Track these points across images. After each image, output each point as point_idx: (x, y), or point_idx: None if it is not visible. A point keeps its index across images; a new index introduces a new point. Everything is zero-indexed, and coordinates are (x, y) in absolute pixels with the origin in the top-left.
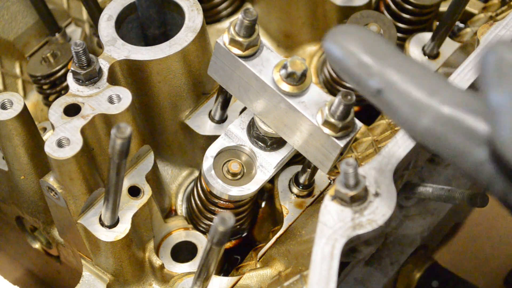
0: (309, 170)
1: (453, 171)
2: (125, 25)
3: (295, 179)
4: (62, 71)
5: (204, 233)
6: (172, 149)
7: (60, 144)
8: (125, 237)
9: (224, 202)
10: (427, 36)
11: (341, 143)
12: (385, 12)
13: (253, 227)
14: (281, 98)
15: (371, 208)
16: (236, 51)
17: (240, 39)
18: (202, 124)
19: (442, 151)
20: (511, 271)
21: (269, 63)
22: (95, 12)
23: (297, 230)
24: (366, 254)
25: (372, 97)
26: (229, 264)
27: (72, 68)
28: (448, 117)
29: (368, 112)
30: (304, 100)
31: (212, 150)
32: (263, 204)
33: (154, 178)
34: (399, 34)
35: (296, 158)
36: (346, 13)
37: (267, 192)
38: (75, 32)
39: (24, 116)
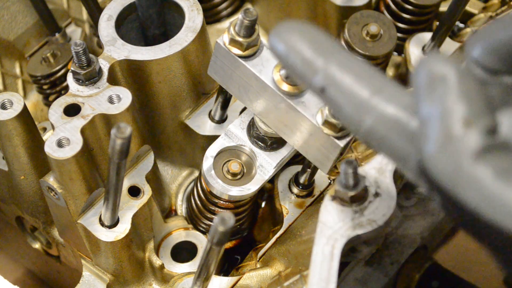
0: (309, 170)
1: None
2: (125, 25)
3: (295, 179)
4: (62, 71)
5: (204, 233)
6: (172, 149)
7: (60, 144)
8: (125, 237)
9: (224, 202)
10: (427, 36)
11: (341, 143)
12: (385, 12)
13: (253, 227)
14: (281, 98)
15: (371, 208)
16: (236, 51)
17: (240, 39)
18: (202, 124)
19: (385, 152)
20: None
21: (269, 63)
22: (95, 12)
23: (297, 230)
24: (366, 254)
25: (317, 94)
26: (229, 264)
27: (72, 68)
28: (391, 118)
29: None
30: (304, 100)
31: (212, 150)
32: (263, 204)
33: (154, 178)
34: (399, 34)
35: (296, 158)
36: (346, 13)
37: (267, 192)
38: (75, 32)
39: (24, 116)
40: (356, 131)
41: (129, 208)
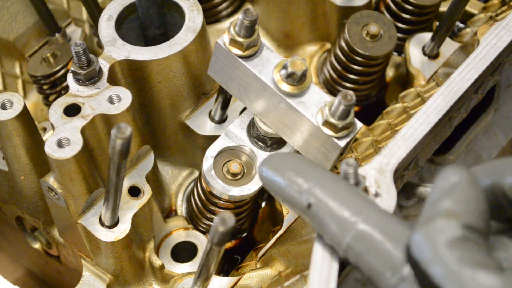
0: None
1: None
2: (125, 25)
3: None
4: (62, 71)
5: (204, 233)
6: (172, 149)
7: (60, 144)
8: (125, 237)
9: (224, 202)
10: (427, 36)
11: (341, 143)
12: (385, 12)
13: (253, 227)
14: (281, 98)
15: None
16: (236, 51)
17: (240, 39)
18: (202, 124)
19: (361, 268)
20: None
21: (269, 63)
22: (95, 12)
23: (297, 230)
24: None
25: (303, 212)
26: (229, 264)
27: (72, 68)
28: (369, 237)
29: (368, 112)
30: (304, 100)
31: (212, 150)
32: (263, 204)
33: (154, 178)
34: (399, 34)
35: None
36: (346, 13)
37: (267, 192)
38: (75, 32)
39: (24, 116)
40: (337, 246)
41: (129, 208)
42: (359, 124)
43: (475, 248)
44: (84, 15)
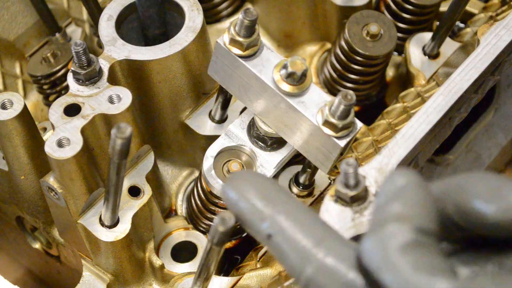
0: (309, 170)
1: (453, 171)
2: (125, 25)
3: (295, 179)
4: (62, 71)
5: (204, 233)
6: (172, 149)
7: (60, 144)
8: (125, 237)
9: (224, 202)
10: (427, 36)
11: (341, 143)
12: (385, 12)
13: None
14: (281, 98)
15: (371, 208)
16: (236, 51)
17: (240, 39)
18: (202, 124)
19: None
20: None
21: (269, 63)
22: (95, 12)
23: None
24: None
25: (263, 241)
26: (229, 264)
27: (72, 68)
28: (330, 268)
29: (368, 112)
30: (304, 100)
31: (212, 150)
32: None
33: (154, 178)
34: (399, 34)
35: (296, 158)
36: (346, 13)
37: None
38: (75, 32)
39: (24, 116)
40: (298, 278)
41: (129, 208)
42: (359, 124)
43: (429, 252)
44: (84, 15)
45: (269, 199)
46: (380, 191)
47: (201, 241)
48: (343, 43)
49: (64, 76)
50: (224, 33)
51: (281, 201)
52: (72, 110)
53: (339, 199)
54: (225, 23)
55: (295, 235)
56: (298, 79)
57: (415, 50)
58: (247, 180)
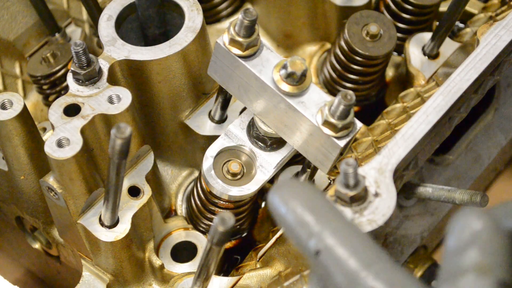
0: (309, 170)
1: (453, 171)
2: (125, 25)
3: None
4: (62, 71)
5: (204, 233)
6: (172, 149)
7: (60, 144)
8: (125, 237)
9: (224, 202)
10: (427, 36)
11: (341, 143)
12: (385, 12)
13: (253, 227)
14: (281, 98)
15: (371, 208)
16: (236, 51)
17: (240, 39)
18: (202, 124)
19: None
20: None
21: (269, 63)
22: (95, 12)
23: None
24: None
25: (310, 258)
26: (229, 264)
27: (72, 68)
28: None
29: (368, 112)
30: (304, 100)
31: (212, 150)
32: (263, 204)
33: (154, 178)
34: (399, 34)
35: (296, 158)
36: (346, 13)
37: (267, 192)
38: (75, 32)
39: (24, 116)
40: None
41: (129, 208)
42: (359, 124)
43: None
44: (84, 15)
45: (318, 214)
46: (450, 233)
47: (201, 241)
48: (342, 43)
49: (64, 76)
50: (224, 33)
51: (331, 217)
52: (72, 110)
53: (339, 199)
54: (225, 23)
55: (344, 256)
56: (297, 79)
57: (414, 50)
58: (296, 191)
